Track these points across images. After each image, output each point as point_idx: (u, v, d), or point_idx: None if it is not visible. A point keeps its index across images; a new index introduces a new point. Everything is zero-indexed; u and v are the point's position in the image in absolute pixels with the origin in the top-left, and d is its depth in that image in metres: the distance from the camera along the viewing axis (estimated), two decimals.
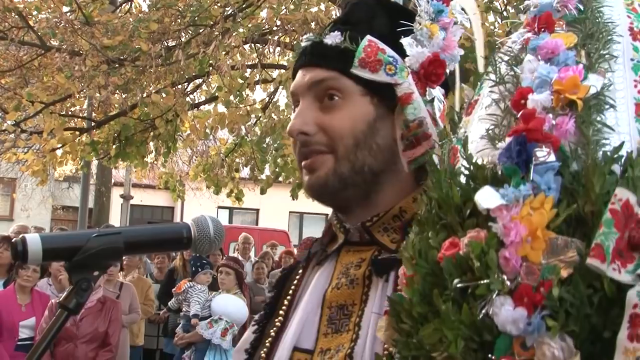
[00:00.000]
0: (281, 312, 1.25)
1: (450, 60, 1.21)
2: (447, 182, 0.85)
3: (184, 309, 6.83)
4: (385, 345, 0.95)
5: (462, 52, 1.23)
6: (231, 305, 6.52)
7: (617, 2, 0.99)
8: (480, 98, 0.98)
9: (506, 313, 0.70)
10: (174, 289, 7.32)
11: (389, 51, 1.16)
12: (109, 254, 1.20)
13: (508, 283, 0.72)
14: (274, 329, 1.24)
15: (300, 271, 1.29)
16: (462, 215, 0.81)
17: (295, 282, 1.28)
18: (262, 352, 1.23)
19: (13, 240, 1.17)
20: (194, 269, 7.09)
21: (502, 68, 0.95)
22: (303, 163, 1.20)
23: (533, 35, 0.94)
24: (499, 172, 0.81)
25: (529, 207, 0.74)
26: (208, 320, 6.43)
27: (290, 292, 1.27)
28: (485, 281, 0.73)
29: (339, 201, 1.21)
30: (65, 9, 8.49)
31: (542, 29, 0.94)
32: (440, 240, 0.81)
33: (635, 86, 0.89)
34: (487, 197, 0.77)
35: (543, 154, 0.78)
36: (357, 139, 1.15)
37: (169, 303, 7.45)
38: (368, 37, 1.17)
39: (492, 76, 0.95)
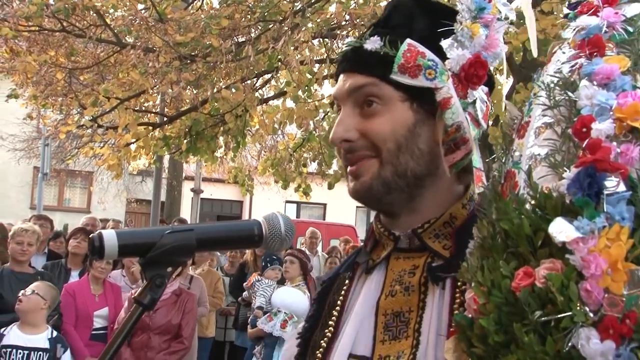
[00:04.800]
0: (331, 322, 1.26)
1: (493, 59, 1.18)
2: (516, 213, 0.85)
3: (252, 303, 6.93)
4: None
5: (505, 48, 1.20)
6: (289, 297, 6.55)
7: None
8: (531, 120, 0.98)
9: (594, 346, 0.71)
10: (245, 283, 7.43)
11: (429, 55, 1.15)
12: (182, 251, 1.21)
13: (591, 315, 0.73)
14: (325, 339, 1.24)
15: (347, 282, 1.29)
16: (534, 245, 0.82)
17: (343, 292, 1.28)
18: None
19: (90, 236, 1.20)
20: (263, 264, 7.18)
21: (554, 91, 0.94)
22: (349, 169, 1.21)
23: (585, 60, 0.92)
24: (568, 202, 0.81)
25: (605, 238, 0.75)
26: (267, 314, 6.50)
27: (339, 302, 1.27)
28: (568, 313, 0.74)
29: (383, 205, 1.21)
30: (140, 6, 8.71)
31: (594, 54, 0.92)
32: (512, 269, 0.82)
33: None
34: (562, 230, 0.78)
35: (613, 183, 0.79)
36: (398, 143, 1.15)
37: (243, 295, 7.58)
38: (407, 41, 1.15)
39: (542, 99, 0.94)
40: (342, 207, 20.92)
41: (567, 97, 0.90)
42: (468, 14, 1.17)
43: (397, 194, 1.17)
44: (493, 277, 0.83)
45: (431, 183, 1.18)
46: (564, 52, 0.98)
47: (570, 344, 0.73)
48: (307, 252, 9.91)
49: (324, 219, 21.28)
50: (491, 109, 1.28)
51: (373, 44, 1.18)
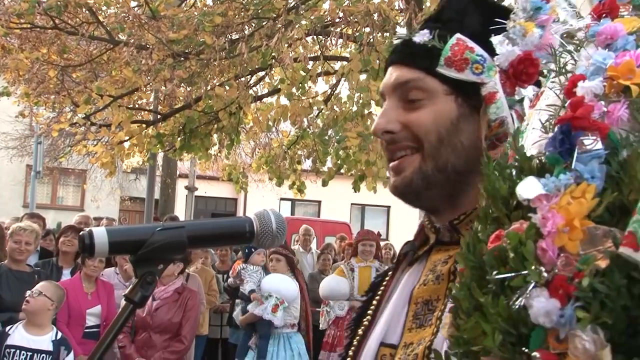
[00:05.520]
0: (369, 311, 1.27)
1: (546, 60, 1.15)
2: (494, 175, 0.82)
3: (241, 288, 6.93)
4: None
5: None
6: (280, 282, 6.61)
7: None
8: (545, 90, 0.96)
9: (539, 305, 0.68)
10: (230, 272, 7.44)
11: (478, 50, 1.14)
12: (173, 248, 1.21)
13: (545, 275, 0.70)
14: (362, 327, 1.26)
15: (390, 273, 1.30)
16: (510, 207, 0.79)
17: (384, 283, 1.29)
18: (350, 350, 1.25)
19: (81, 233, 1.19)
20: (247, 250, 7.17)
21: (564, 57, 0.91)
22: (391, 165, 1.20)
23: (593, 21, 0.89)
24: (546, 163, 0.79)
25: (569, 196, 0.72)
26: (259, 298, 6.52)
27: (379, 292, 1.28)
28: (521, 272, 0.71)
29: (424, 201, 1.21)
30: (132, 3, 8.68)
31: (604, 15, 0.88)
32: (489, 234, 0.79)
33: None
34: (527, 187, 0.75)
35: (589, 142, 0.75)
36: (440, 136, 1.15)
37: (228, 281, 7.58)
38: (457, 35, 1.15)
39: (554, 66, 0.91)
40: (336, 204, 20.93)
41: (573, 62, 0.88)
42: (523, 13, 1.15)
43: (436, 190, 1.16)
44: (469, 242, 0.82)
45: (473, 180, 1.15)
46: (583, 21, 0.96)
47: (520, 304, 0.70)
48: (301, 249, 9.91)
49: (319, 216, 21.28)
50: None
51: (422, 36, 1.18)
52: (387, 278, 1.30)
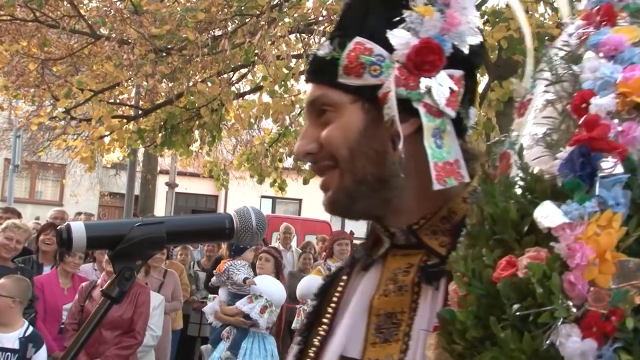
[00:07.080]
0: (325, 319, 1.20)
1: (459, 40, 1.06)
2: (502, 196, 0.78)
3: (228, 286, 6.90)
4: None
5: (476, 27, 1.10)
6: (272, 285, 6.66)
7: None
8: (533, 98, 0.91)
9: (573, 344, 0.65)
10: (215, 270, 7.44)
11: (377, 50, 1.07)
12: (152, 244, 1.20)
13: (574, 310, 0.66)
14: (318, 337, 1.19)
15: (345, 277, 1.24)
16: (520, 232, 0.75)
17: (339, 288, 1.23)
18: None
19: (58, 228, 1.18)
20: (241, 246, 7.15)
21: (558, 66, 0.87)
22: (319, 184, 1.18)
23: (593, 29, 0.85)
24: (560, 185, 0.75)
25: (595, 225, 0.68)
26: (249, 295, 6.53)
27: (335, 299, 1.22)
28: (548, 308, 0.68)
29: (356, 215, 1.16)
30: None
31: (603, 23, 0.84)
32: (496, 258, 0.75)
33: None
34: (548, 215, 0.71)
35: (609, 165, 0.72)
36: (351, 149, 1.10)
37: (211, 281, 7.56)
38: (355, 39, 1.09)
39: (547, 74, 0.87)
40: (317, 202, 20.69)
41: (571, 71, 0.83)
42: None
43: (364, 201, 1.11)
44: (474, 267, 0.77)
45: (405, 182, 1.09)
46: (573, 24, 0.91)
47: (548, 342, 0.66)
48: (281, 247, 9.92)
49: (300, 214, 21.27)
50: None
51: (324, 49, 1.13)
52: (341, 283, 1.23)
